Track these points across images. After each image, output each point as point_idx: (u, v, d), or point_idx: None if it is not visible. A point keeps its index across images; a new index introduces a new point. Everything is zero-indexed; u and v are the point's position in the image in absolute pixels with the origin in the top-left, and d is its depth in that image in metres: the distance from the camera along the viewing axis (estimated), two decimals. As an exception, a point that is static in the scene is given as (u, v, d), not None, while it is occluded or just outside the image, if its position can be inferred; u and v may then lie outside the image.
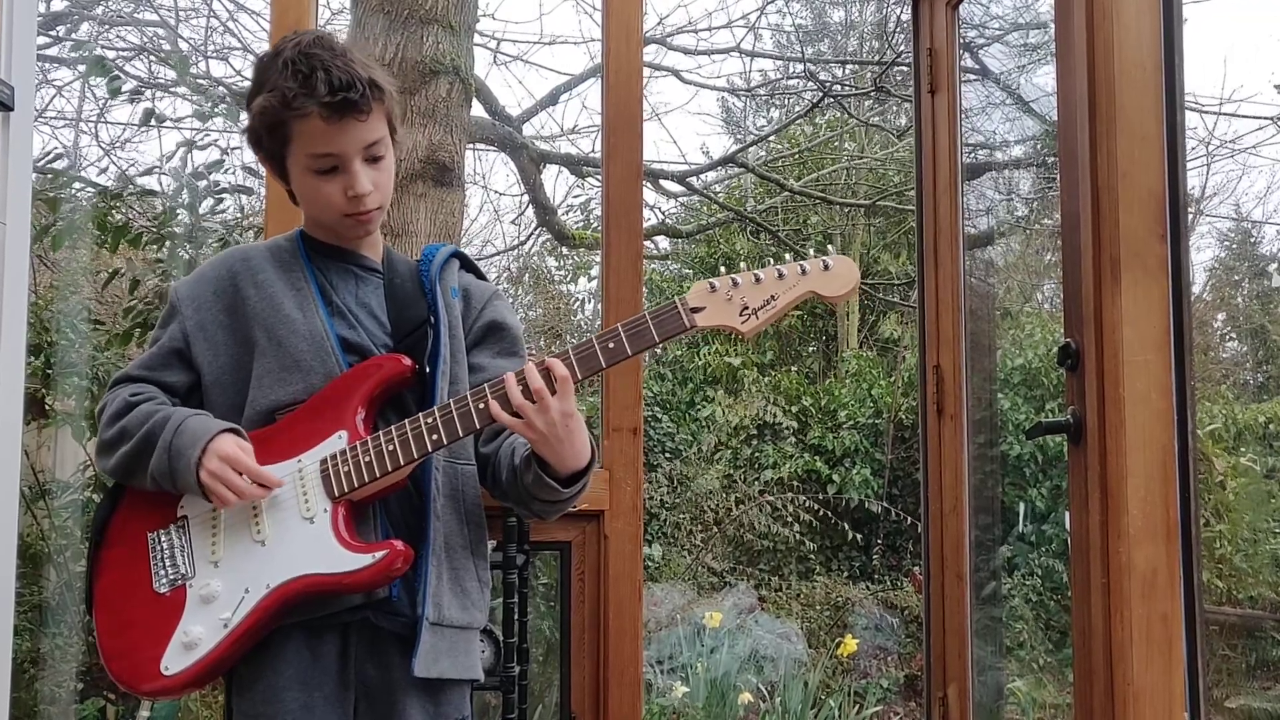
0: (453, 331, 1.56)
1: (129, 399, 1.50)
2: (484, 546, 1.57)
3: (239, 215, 4.53)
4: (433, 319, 1.54)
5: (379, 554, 1.40)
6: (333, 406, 1.47)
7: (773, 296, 1.41)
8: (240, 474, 1.41)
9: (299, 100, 1.42)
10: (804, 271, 1.41)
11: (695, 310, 1.41)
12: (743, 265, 1.46)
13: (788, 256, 1.44)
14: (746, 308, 1.41)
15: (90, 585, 1.50)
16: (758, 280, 1.41)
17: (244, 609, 1.41)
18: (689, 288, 1.43)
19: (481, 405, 1.42)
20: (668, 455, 6.65)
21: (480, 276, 1.70)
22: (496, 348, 1.62)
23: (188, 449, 1.41)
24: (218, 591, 1.43)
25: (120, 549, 1.50)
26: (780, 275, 1.42)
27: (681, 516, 6.42)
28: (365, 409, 1.47)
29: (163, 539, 1.48)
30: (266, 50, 1.52)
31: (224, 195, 3.91)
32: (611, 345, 1.41)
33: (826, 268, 1.42)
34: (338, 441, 1.45)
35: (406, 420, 1.44)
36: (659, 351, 7.09)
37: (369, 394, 1.47)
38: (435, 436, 1.42)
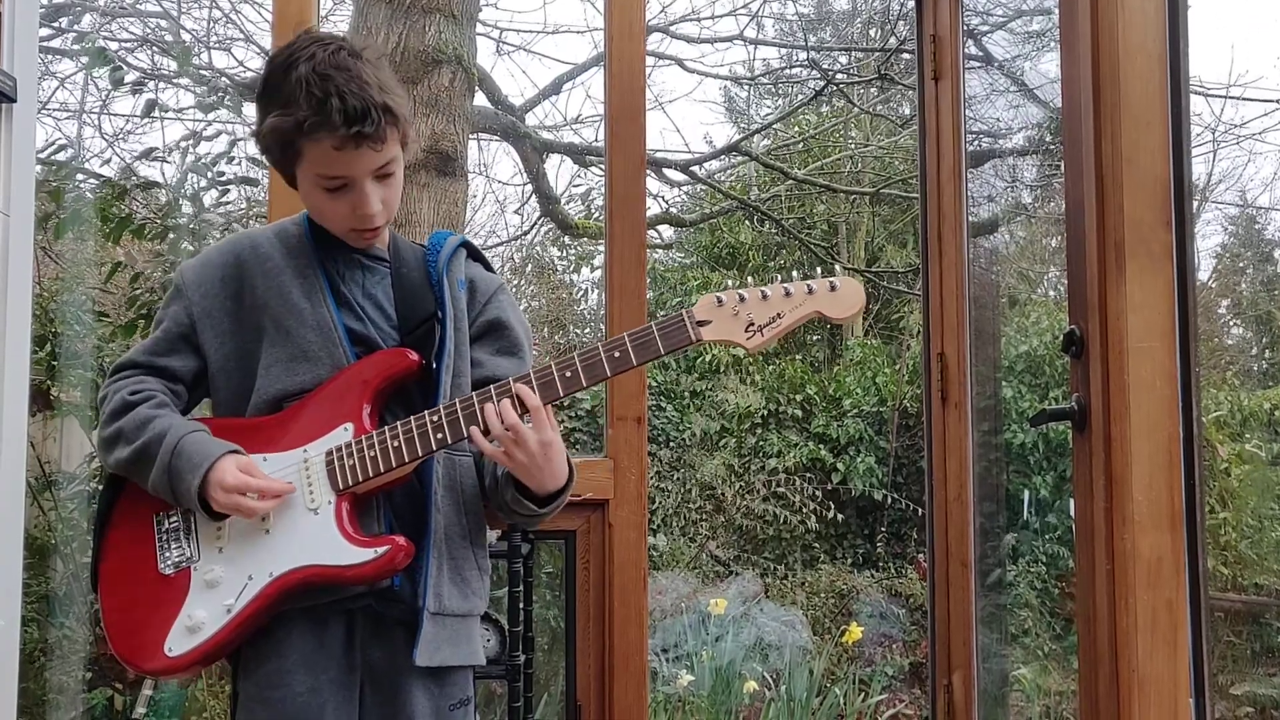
0: (458, 324, 1.56)
1: (128, 398, 1.50)
2: (482, 535, 1.58)
3: (245, 206, 4.53)
4: (440, 314, 1.54)
5: (381, 549, 1.41)
6: (339, 398, 1.47)
7: (779, 314, 1.42)
8: (248, 494, 1.42)
9: (311, 127, 1.40)
10: (811, 291, 1.42)
11: (701, 324, 1.43)
12: (749, 280, 1.48)
13: (795, 274, 1.45)
14: (752, 324, 1.42)
15: (95, 564, 1.52)
16: (764, 297, 1.43)
17: (247, 595, 1.43)
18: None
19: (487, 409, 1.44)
20: (672, 444, 6.65)
21: (487, 266, 1.69)
22: (496, 345, 1.62)
23: (187, 474, 1.42)
24: (221, 577, 1.44)
25: (125, 529, 1.51)
26: (787, 294, 1.43)
27: (686, 505, 6.43)
28: (371, 403, 1.48)
29: (168, 520, 1.49)
30: (280, 50, 1.48)
31: (229, 186, 3.91)
32: (617, 355, 1.43)
33: (833, 289, 1.43)
34: (343, 434, 1.46)
35: (412, 417, 1.45)
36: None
37: (375, 388, 1.48)
38: (440, 435, 1.44)
